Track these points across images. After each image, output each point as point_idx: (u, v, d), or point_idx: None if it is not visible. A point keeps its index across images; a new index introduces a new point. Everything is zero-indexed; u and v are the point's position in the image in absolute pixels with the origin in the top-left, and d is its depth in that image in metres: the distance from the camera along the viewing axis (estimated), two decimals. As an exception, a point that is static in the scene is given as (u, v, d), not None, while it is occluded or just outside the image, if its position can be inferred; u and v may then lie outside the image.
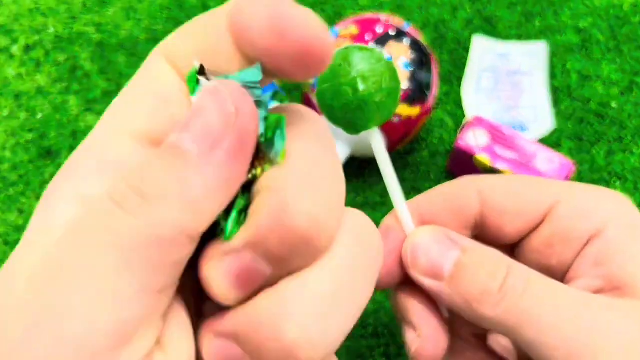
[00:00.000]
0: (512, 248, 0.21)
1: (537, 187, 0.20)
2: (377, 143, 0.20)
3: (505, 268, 0.18)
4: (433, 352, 0.19)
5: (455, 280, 0.18)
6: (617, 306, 0.17)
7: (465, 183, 0.21)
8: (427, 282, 0.19)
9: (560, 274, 0.20)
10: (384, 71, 0.18)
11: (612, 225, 0.19)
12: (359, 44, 0.21)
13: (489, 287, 0.18)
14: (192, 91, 0.14)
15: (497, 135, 0.35)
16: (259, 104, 0.14)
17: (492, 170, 0.34)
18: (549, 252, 0.19)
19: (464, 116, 0.41)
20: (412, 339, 0.20)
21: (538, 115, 0.40)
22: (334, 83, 0.18)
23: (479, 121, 0.35)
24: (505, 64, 0.43)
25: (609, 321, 0.17)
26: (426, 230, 0.20)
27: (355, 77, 0.18)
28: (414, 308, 0.20)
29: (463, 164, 0.35)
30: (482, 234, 0.21)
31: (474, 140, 0.34)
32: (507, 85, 0.42)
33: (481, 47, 0.44)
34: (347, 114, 0.19)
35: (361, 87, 0.18)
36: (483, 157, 0.34)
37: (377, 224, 0.37)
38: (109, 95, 0.42)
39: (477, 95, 0.42)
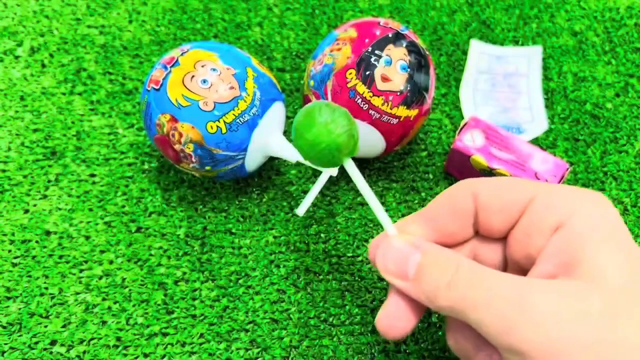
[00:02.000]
0: (504, 241, 0.24)
1: (518, 186, 0.23)
2: (351, 168, 0.25)
3: (454, 265, 0.21)
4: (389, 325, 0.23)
5: (417, 280, 0.22)
6: (548, 285, 0.20)
7: (461, 187, 0.24)
8: (397, 283, 0.23)
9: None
10: (346, 121, 0.24)
11: (577, 216, 0.21)
12: (323, 101, 0.26)
13: (440, 282, 0.21)
14: None
15: (493, 136, 0.35)
16: None
17: (489, 170, 0.34)
18: (527, 241, 0.22)
19: (461, 117, 0.41)
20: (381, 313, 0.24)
21: (534, 116, 0.41)
22: (309, 139, 0.24)
23: (475, 122, 0.36)
24: (502, 66, 0.44)
25: (534, 298, 0.19)
26: (394, 239, 0.23)
27: (323, 131, 0.23)
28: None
29: (460, 164, 0.36)
30: (480, 231, 0.24)
31: (471, 141, 0.35)
32: (504, 87, 0.43)
33: (478, 50, 0.44)
34: (324, 158, 0.24)
35: (330, 137, 0.23)
36: (479, 158, 0.35)
37: (377, 223, 0.38)
38: (113, 97, 0.43)
39: (474, 97, 0.42)
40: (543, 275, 0.21)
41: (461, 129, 0.36)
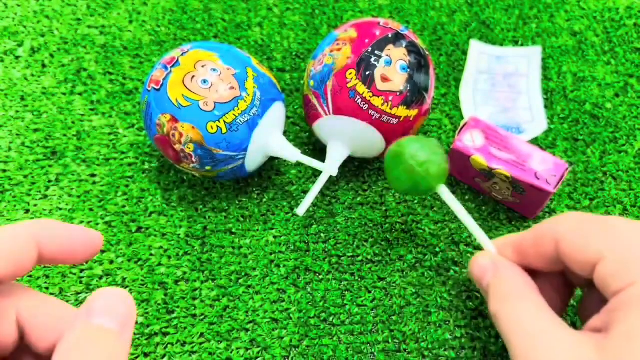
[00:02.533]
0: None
1: (590, 241, 0.25)
2: (446, 195, 0.30)
3: (510, 298, 0.26)
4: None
5: (487, 294, 0.28)
6: (574, 338, 0.23)
7: (546, 231, 0.26)
8: (478, 284, 0.29)
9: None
10: (436, 152, 0.30)
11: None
12: (413, 137, 0.31)
13: (499, 308, 0.26)
14: None
15: (493, 136, 0.35)
16: None
17: (489, 170, 0.35)
18: (604, 287, 0.24)
19: (461, 117, 0.42)
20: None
21: (534, 116, 0.41)
22: (403, 171, 0.30)
23: (475, 122, 0.36)
24: (501, 66, 0.44)
25: (553, 345, 0.23)
26: (484, 255, 0.29)
27: (416, 164, 0.29)
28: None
29: (460, 164, 0.36)
30: (567, 271, 0.28)
31: (470, 141, 0.35)
32: (504, 87, 0.43)
33: (478, 51, 0.45)
34: (416, 188, 0.30)
35: (422, 169, 0.29)
36: (479, 158, 0.35)
37: (377, 223, 0.38)
38: (113, 97, 0.43)
39: (474, 97, 0.42)
40: (589, 329, 0.24)
41: (461, 129, 0.36)
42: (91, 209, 0.38)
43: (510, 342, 0.24)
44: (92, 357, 0.18)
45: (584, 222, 0.25)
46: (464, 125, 0.36)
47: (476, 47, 0.45)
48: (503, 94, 0.42)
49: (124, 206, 0.38)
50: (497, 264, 0.28)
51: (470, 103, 0.42)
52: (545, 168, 0.34)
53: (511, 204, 0.36)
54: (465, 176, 0.37)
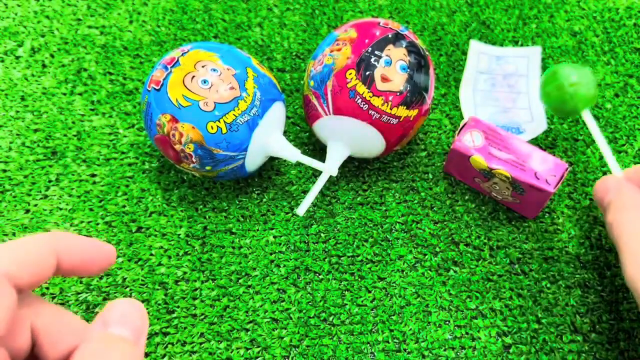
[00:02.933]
0: None
1: None
2: (588, 120, 0.34)
3: (626, 208, 0.29)
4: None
5: (606, 209, 0.30)
6: None
7: None
8: (599, 203, 0.31)
9: None
10: (588, 79, 0.33)
11: None
12: (571, 63, 0.35)
13: (609, 214, 0.29)
14: None
15: (493, 136, 0.35)
16: None
17: (489, 171, 0.35)
18: None
19: (461, 117, 0.42)
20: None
21: (534, 116, 0.41)
22: (555, 88, 0.34)
23: (475, 122, 0.36)
24: (501, 66, 0.44)
25: None
26: (610, 177, 0.31)
27: (567, 83, 0.33)
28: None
29: (460, 164, 0.36)
30: None
31: (470, 141, 0.35)
32: (503, 87, 0.43)
33: (477, 51, 0.45)
34: (562, 106, 0.34)
35: (571, 89, 0.33)
36: (479, 158, 0.35)
37: (377, 223, 0.38)
38: (114, 97, 0.43)
39: (474, 97, 0.42)
40: None
41: (461, 129, 0.36)
42: (91, 209, 0.38)
43: (621, 246, 0.27)
44: None
45: None
46: (463, 126, 0.36)
47: (476, 47, 0.45)
48: (503, 94, 0.42)
49: (124, 206, 0.38)
50: (621, 184, 0.30)
51: (470, 103, 0.42)
52: (545, 168, 0.34)
53: (511, 204, 0.37)
54: (465, 176, 0.37)
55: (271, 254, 0.36)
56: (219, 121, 0.31)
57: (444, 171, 0.39)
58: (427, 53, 0.35)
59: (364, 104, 0.33)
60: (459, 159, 0.36)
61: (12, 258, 0.20)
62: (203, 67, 0.32)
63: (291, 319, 0.34)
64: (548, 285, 0.34)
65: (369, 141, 0.35)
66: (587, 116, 0.34)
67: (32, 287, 0.21)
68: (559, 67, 0.34)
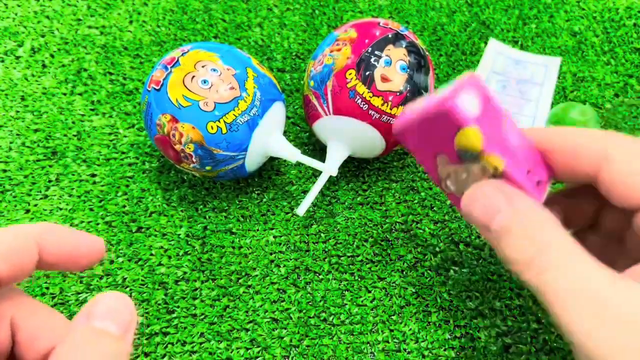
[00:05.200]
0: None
1: None
2: None
3: (543, 241, 0.20)
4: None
5: (498, 240, 0.21)
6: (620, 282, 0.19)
7: (589, 144, 0.22)
8: (482, 229, 0.22)
9: None
10: (591, 116, 0.38)
11: None
12: (572, 103, 0.40)
13: (522, 256, 0.20)
14: None
15: (491, 111, 0.23)
16: None
17: (475, 153, 0.22)
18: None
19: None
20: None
21: (536, 124, 0.41)
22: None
23: (475, 83, 0.22)
24: (518, 71, 0.44)
25: (620, 307, 0.18)
26: (489, 184, 0.22)
27: (574, 124, 0.38)
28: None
29: (431, 131, 0.23)
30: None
31: (472, 106, 0.22)
32: (515, 91, 0.43)
33: (495, 50, 0.44)
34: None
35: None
36: (475, 133, 0.22)
37: (376, 223, 0.38)
38: (114, 97, 0.43)
39: None
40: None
41: (456, 87, 0.22)
42: (91, 209, 0.38)
43: (563, 317, 0.19)
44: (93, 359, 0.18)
45: None
46: (459, 85, 0.22)
47: (494, 47, 0.44)
48: (512, 98, 0.42)
49: (124, 206, 0.38)
50: (512, 195, 0.21)
51: None
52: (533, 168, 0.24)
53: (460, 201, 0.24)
54: (424, 148, 0.25)
55: (271, 254, 0.36)
56: (219, 121, 0.31)
57: (393, 131, 0.26)
58: (427, 53, 0.35)
59: (363, 104, 0.33)
60: (439, 124, 0.23)
61: None
62: (203, 67, 0.32)
63: (291, 318, 0.34)
64: (548, 285, 0.34)
65: (368, 141, 0.35)
66: None
67: (11, 281, 0.20)
68: (565, 108, 0.38)
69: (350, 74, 0.33)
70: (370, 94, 0.33)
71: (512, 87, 0.43)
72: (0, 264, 0.19)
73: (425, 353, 0.32)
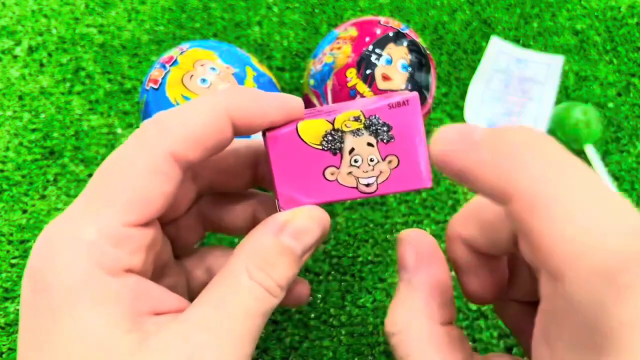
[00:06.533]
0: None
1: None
2: (592, 155, 0.38)
3: None
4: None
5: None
6: None
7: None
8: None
9: None
10: (593, 116, 0.38)
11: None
12: (574, 102, 0.40)
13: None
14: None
15: (309, 114, 0.22)
16: None
17: (332, 132, 0.21)
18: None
19: (462, 116, 0.41)
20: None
21: (537, 125, 0.41)
22: (564, 127, 0.39)
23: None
24: (520, 69, 0.43)
25: None
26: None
27: (577, 123, 0.38)
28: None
29: (293, 166, 0.21)
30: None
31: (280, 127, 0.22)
32: (516, 90, 0.42)
33: (497, 49, 0.44)
34: (572, 142, 0.39)
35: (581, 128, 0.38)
36: (310, 123, 0.21)
37: (377, 224, 0.38)
38: (112, 96, 0.42)
39: (483, 94, 0.42)
40: None
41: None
42: (89, 209, 0.37)
43: None
44: (277, 274, 0.18)
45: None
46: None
47: (496, 45, 0.44)
48: (514, 98, 0.42)
49: (122, 206, 0.37)
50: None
51: (477, 99, 0.42)
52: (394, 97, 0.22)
53: (392, 183, 0.22)
54: (311, 184, 0.21)
55: (271, 254, 0.36)
56: (218, 121, 0.31)
57: (279, 202, 0.22)
58: (428, 52, 0.35)
59: (364, 103, 0.32)
60: (285, 151, 0.21)
61: (179, 135, 0.18)
62: (202, 66, 0.32)
63: (291, 320, 0.33)
64: (550, 286, 0.34)
65: (369, 141, 0.34)
66: (589, 151, 0.37)
67: (208, 158, 0.19)
68: (569, 106, 0.39)
69: (350, 72, 0.32)
70: (371, 93, 0.32)
71: (515, 86, 0.42)
72: (189, 152, 0.18)
73: (427, 355, 0.32)
